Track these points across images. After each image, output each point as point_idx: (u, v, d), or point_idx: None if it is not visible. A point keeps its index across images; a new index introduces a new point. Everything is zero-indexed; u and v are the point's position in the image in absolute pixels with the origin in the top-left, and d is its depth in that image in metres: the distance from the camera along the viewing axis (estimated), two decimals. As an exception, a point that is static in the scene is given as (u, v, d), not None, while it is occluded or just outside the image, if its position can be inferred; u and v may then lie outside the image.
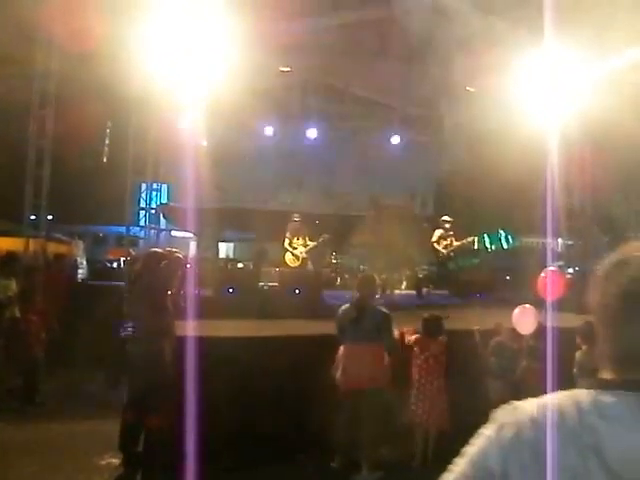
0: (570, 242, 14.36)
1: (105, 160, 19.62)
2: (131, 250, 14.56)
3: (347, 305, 6.76)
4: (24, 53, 10.79)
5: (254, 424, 6.58)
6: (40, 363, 8.97)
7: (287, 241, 13.02)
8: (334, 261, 14.65)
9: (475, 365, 6.86)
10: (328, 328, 6.81)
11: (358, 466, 6.24)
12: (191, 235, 16.47)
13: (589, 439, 1.14)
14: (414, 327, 6.99)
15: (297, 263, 12.95)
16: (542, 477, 1.14)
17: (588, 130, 12.06)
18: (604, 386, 1.22)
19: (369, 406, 6.29)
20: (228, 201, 16.78)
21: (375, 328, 6.48)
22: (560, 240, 14.22)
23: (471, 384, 6.58)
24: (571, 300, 7.76)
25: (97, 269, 18.10)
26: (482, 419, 1.28)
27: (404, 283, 15.23)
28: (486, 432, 1.26)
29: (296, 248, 12.96)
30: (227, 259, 18.98)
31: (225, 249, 22.04)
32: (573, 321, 6.39)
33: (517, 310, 6.71)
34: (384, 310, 6.69)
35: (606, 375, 1.24)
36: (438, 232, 12.97)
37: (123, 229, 14.77)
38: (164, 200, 16.04)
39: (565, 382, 1.45)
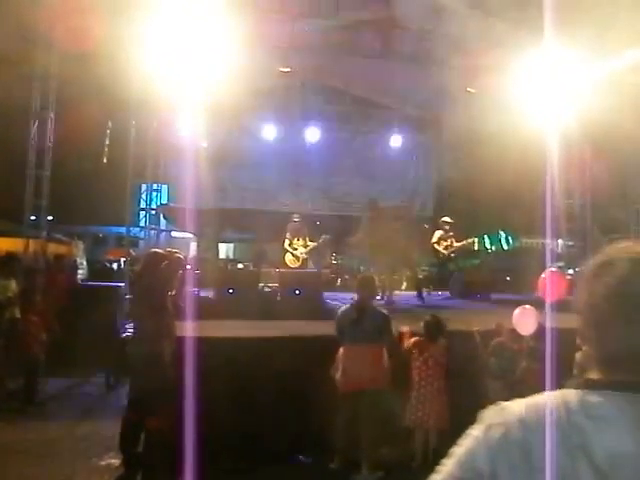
0: (570, 243, 14.36)
1: (105, 161, 19.62)
2: (131, 251, 14.56)
3: (347, 306, 6.76)
4: (24, 54, 10.79)
5: (254, 424, 6.58)
6: (40, 364, 8.97)
7: (287, 242, 13.01)
8: (334, 262, 14.66)
9: (475, 366, 6.86)
10: (328, 329, 6.81)
11: (358, 466, 6.25)
12: (191, 236, 16.49)
13: (577, 439, 1.15)
14: (413, 328, 6.98)
15: (297, 264, 12.94)
16: (531, 477, 1.15)
17: (588, 131, 12.05)
18: (591, 386, 1.23)
19: (369, 407, 6.29)
20: (228, 202, 16.78)
21: (375, 329, 6.48)
22: (560, 241, 14.22)
23: (471, 385, 6.58)
24: (571, 301, 7.75)
25: (97, 269, 18.15)
26: (482, 420, 1.28)
27: (404, 284, 15.22)
28: (474, 433, 1.26)
29: (296, 249, 12.95)
30: (227, 260, 19.01)
31: (225, 250, 22.08)
32: (573, 322, 6.38)
33: (517, 311, 6.71)
34: (384, 311, 6.70)
35: (593, 375, 1.26)
36: (438, 233, 12.97)
37: (123, 230, 14.75)
38: (164, 201, 16.02)
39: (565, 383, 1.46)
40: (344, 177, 17.76)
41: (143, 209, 14.80)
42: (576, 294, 1.33)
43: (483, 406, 1.29)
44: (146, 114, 13.05)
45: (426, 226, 14.82)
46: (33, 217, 11.50)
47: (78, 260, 18.14)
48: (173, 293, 6.40)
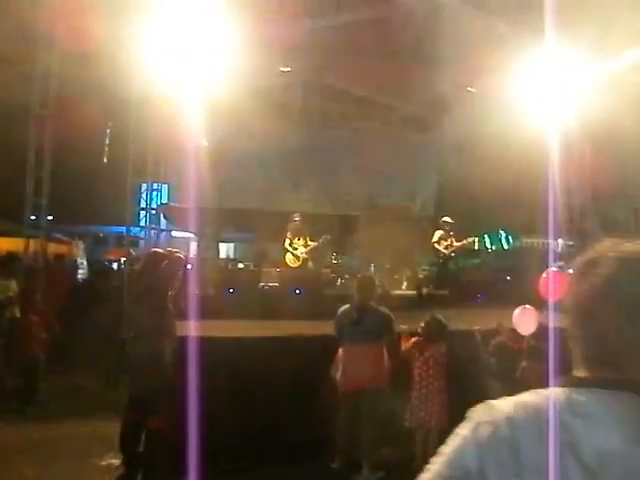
0: (571, 242, 14.35)
1: (105, 160, 19.59)
2: (131, 250, 14.56)
3: (347, 306, 6.76)
4: (24, 53, 10.79)
5: (254, 424, 6.58)
6: (40, 363, 8.98)
7: (288, 241, 13.00)
8: (334, 261, 14.64)
9: (476, 365, 6.85)
10: (329, 328, 6.81)
11: (359, 466, 6.25)
12: (191, 235, 16.48)
13: (564, 437, 1.16)
14: (412, 330, 6.97)
15: (297, 263, 12.93)
16: (519, 474, 1.16)
17: (588, 130, 12.06)
18: (578, 384, 1.24)
19: (369, 407, 6.29)
20: (228, 201, 16.76)
21: (375, 329, 6.48)
22: (560, 240, 14.22)
23: (472, 385, 6.57)
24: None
25: (97, 269, 18.12)
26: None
27: (404, 283, 15.22)
28: (462, 431, 1.27)
29: (297, 248, 12.94)
30: (228, 259, 18.99)
31: (225, 249, 22.05)
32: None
33: (517, 311, 6.70)
34: (385, 310, 6.69)
35: (580, 373, 1.26)
36: (438, 233, 12.98)
37: (123, 229, 14.75)
38: (164, 200, 16.01)
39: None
40: (344, 177, 17.75)
41: (143, 209, 14.79)
42: (564, 292, 1.34)
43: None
44: (146, 113, 13.04)
45: (426, 225, 14.82)
46: (33, 217, 11.49)
47: (78, 260, 18.14)
48: (173, 293, 6.40)
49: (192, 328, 5.72)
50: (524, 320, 6.63)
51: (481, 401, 1.29)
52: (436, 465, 1.26)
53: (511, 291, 10.92)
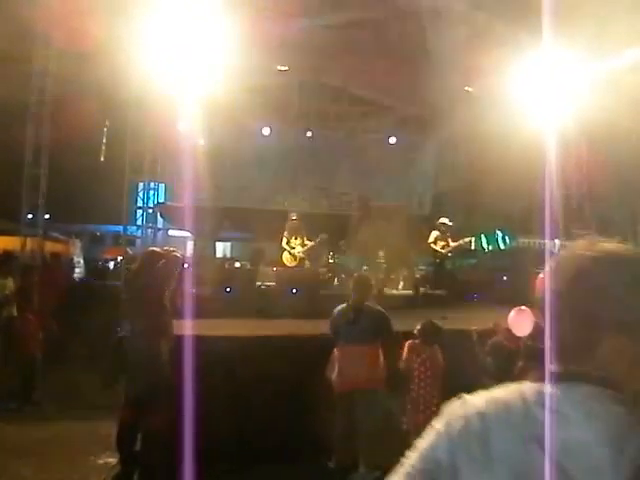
0: (567, 243, 14.33)
1: (102, 159, 19.57)
2: (128, 249, 14.56)
3: (343, 306, 6.74)
4: (21, 52, 10.78)
5: (251, 423, 6.58)
6: (37, 362, 8.97)
7: (285, 240, 13.00)
8: (331, 261, 14.64)
9: (472, 365, 6.86)
10: (325, 328, 6.80)
11: (355, 466, 6.25)
12: (188, 234, 16.48)
13: (533, 430, 1.18)
14: (409, 330, 6.96)
15: (294, 263, 12.93)
16: (489, 468, 1.19)
17: (586, 130, 12.07)
18: (547, 378, 1.26)
19: (365, 407, 6.29)
20: (225, 200, 16.77)
21: (372, 329, 6.47)
22: (557, 241, 14.22)
23: (468, 384, 6.56)
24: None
25: (94, 268, 18.12)
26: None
27: (401, 283, 15.22)
28: (436, 425, 1.31)
29: (294, 248, 12.94)
30: (224, 258, 18.97)
31: (222, 248, 22.04)
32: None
33: (513, 312, 6.70)
34: (382, 310, 6.68)
35: (551, 368, 1.29)
36: (434, 233, 12.97)
37: (120, 228, 14.76)
38: (161, 199, 16.02)
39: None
40: (342, 176, 17.77)
41: (140, 208, 14.81)
42: (538, 289, 1.37)
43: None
44: (143, 112, 13.04)
45: (422, 225, 14.80)
46: (30, 215, 11.49)
47: (75, 258, 18.14)
48: (170, 292, 6.39)
49: (189, 327, 5.72)
50: (520, 321, 6.62)
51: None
52: (410, 459, 1.31)
53: (508, 291, 10.93)
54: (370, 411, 6.27)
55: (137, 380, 6.04)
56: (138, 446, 6.20)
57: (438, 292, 12.88)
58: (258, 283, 12.06)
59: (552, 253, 1.35)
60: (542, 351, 1.34)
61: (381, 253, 13.65)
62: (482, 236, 19.36)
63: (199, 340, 5.38)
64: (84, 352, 8.89)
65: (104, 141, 19.20)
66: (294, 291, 10.97)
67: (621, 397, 1.20)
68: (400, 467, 1.32)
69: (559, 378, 1.25)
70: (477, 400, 1.29)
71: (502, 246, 20.52)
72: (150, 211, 14.91)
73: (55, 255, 13.67)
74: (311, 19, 11.69)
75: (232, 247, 23.04)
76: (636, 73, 9.95)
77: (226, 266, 14.30)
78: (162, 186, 15.97)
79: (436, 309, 9.81)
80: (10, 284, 9.49)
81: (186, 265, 8.06)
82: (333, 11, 11.71)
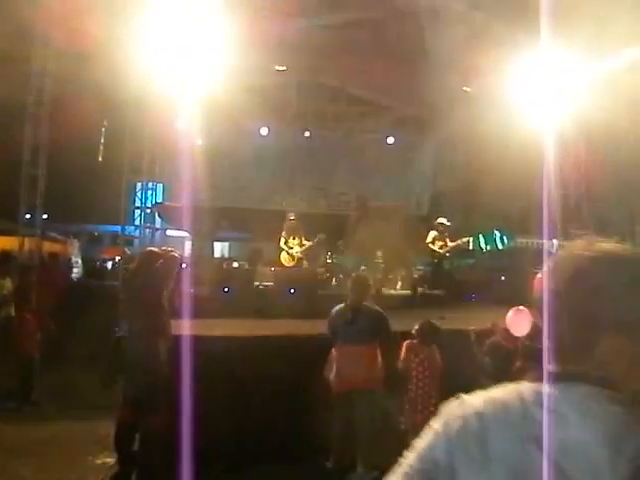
0: (565, 243, 14.33)
1: (100, 159, 19.54)
2: (126, 249, 14.55)
3: (341, 306, 6.74)
4: (20, 52, 10.77)
5: (249, 423, 6.58)
6: (35, 362, 8.96)
7: (283, 240, 13.01)
8: (329, 261, 14.65)
9: (470, 365, 6.86)
10: (323, 328, 6.81)
11: (354, 466, 6.25)
12: (186, 234, 16.46)
13: (530, 430, 1.19)
14: (407, 330, 6.96)
15: (292, 263, 12.95)
16: (487, 468, 1.19)
17: (584, 130, 12.07)
18: (546, 378, 1.27)
19: (363, 407, 6.29)
20: (223, 200, 16.75)
21: (370, 329, 6.47)
22: (555, 241, 14.22)
23: (466, 384, 6.56)
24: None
25: (92, 268, 18.11)
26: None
27: (399, 283, 15.23)
28: (434, 426, 1.31)
29: (292, 248, 12.95)
30: (222, 258, 18.96)
31: (220, 248, 22.04)
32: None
33: (511, 312, 6.71)
34: (380, 310, 6.68)
35: (550, 368, 1.29)
36: (432, 233, 12.97)
37: (118, 228, 14.75)
38: (159, 199, 16.02)
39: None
40: (340, 176, 17.77)
41: (138, 208, 14.80)
42: (536, 289, 1.37)
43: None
44: (141, 112, 13.03)
45: (420, 225, 14.80)
46: (28, 215, 11.48)
47: (73, 258, 18.11)
48: (168, 292, 6.39)
49: (187, 327, 5.72)
50: (518, 322, 6.63)
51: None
52: (408, 458, 1.31)
53: (506, 291, 10.93)
54: (368, 411, 6.27)
55: (135, 380, 6.04)
56: (136, 446, 6.20)
57: (436, 292, 12.89)
58: (256, 283, 12.06)
59: (550, 253, 1.36)
60: (540, 351, 1.34)
61: (379, 253, 13.66)
62: (480, 236, 19.38)
63: (197, 340, 5.38)
64: (82, 352, 8.87)
65: (102, 141, 19.18)
66: (292, 291, 10.98)
67: (619, 397, 1.20)
68: (398, 467, 1.32)
69: (557, 378, 1.25)
70: (475, 400, 1.30)
71: (500, 246, 20.53)
72: (148, 211, 14.90)
73: (53, 255, 13.64)
74: (309, 19, 11.68)
75: (230, 247, 23.05)
76: (634, 73, 9.95)
77: (224, 266, 14.29)
78: (160, 186, 15.97)
79: (434, 309, 9.81)
80: (8, 284, 9.48)
81: (184, 265, 8.05)
82: (331, 11, 11.70)
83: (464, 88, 13.88)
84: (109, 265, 21.27)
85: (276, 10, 10.99)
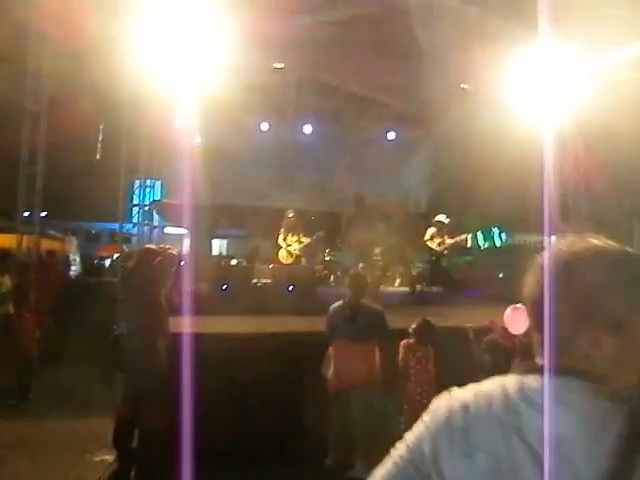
0: (557, 240, 14.28)
1: (98, 157, 19.53)
2: (124, 247, 14.54)
3: (339, 303, 6.74)
4: (17, 50, 10.75)
5: (248, 421, 6.58)
6: (34, 360, 8.96)
7: (281, 238, 13.00)
8: (328, 258, 14.65)
9: (468, 363, 6.86)
10: (322, 325, 6.81)
11: (352, 464, 6.25)
12: (184, 232, 16.46)
13: (513, 421, 1.22)
14: (404, 328, 6.96)
15: (291, 260, 12.94)
16: (470, 455, 1.22)
17: (583, 128, 12.06)
18: (531, 371, 1.30)
19: (362, 405, 6.29)
20: (222, 198, 16.74)
21: (368, 326, 6.47)
22: (553, 239, 14.20)
23: (464, 382, 6.56)
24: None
25: (90, 266, 18.11)
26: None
27: (397, 280, 15.23)
28: (424, 417, 1.37)
29: (290, 245, 12.94)
30: (221, 256, 18.96)
31: (218, 246, 22.02)
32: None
33: (508, 311, 6.71)
34: (378, 307, 6.68)
35: (537, 361, 1.32)
36: (431, 230, 12.96)
37: (116, 226, 14.75)
38: (157, 197, 16.02)
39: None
40: (338, 173, 17.75)
41: (136, 205, 14.80)
42: (525, 284, 1.40)
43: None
44: (139, 110, 13.01)
45: (419, 223, 14.80)
46: (26, 213, 11.46)
47: (71, 256, 18.12)
48: (166, 289, 6.39)
49: (185, 324, 5.71)
50: (515, 319, 6.63)
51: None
52: (398, 449, 1.36)
53: (504, 288, 10.94)
54: (366, 409, 6.27)
55: (134, 378, 6.04)
56: (135, 444, 6.20)
57: (434, 289, 12.90)
58: (254, 280, 12.07)
59: (546, 251, 1.36)
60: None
61: (377, 250, 13.66)
62: (478, 233, 19.39)
63: (195, 337, 5.38)
64: (81, 349, 8.87)
65: (100, 139, 19.17)
66: (290, 288, 10.99)
67: (604, 391, 1.22)
68: (389, 458, 1.37)
69: (543, 371, 1.26)
70: (462, 392, 1.34)
71: (498, 244, 20.56)
72: (146, 208, 14.90)
73: (51, 253, 13.63)
74: (308, 16, 11.66)
75: (228, 244, 23.03)
76: (634, 70, 9.95)
77: (222, 263, 14.28)
78: (158, 183, 15.97)
79: (432, 306, 9.82)
80: (7, 282, 9.47)
81: (182, 263, 8.05)
82: (329, 8, 11.69)
83: (462, 85, 13.87)
84: (107, 263, 21.29)
85: (275, 8, 10.97)
